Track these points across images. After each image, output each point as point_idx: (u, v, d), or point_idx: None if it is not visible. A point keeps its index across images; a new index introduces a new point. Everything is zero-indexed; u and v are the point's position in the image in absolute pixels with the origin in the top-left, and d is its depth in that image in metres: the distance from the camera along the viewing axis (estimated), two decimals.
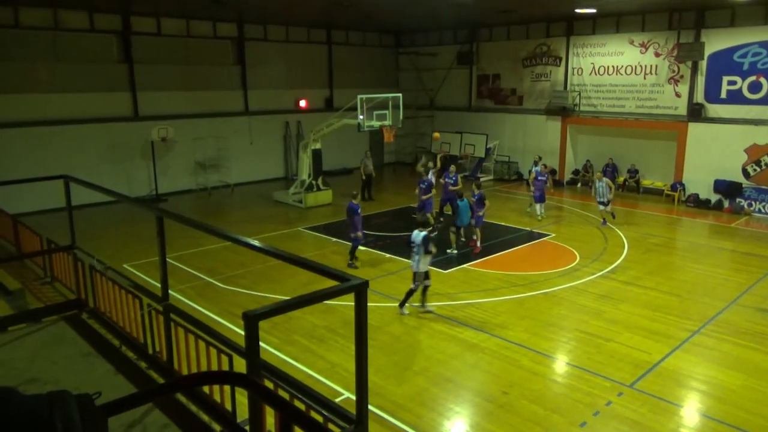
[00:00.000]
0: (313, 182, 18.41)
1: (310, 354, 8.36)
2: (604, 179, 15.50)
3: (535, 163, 17.32)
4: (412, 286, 9.81)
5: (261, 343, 3.32)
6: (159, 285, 5.22)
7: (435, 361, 8.22)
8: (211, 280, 11.52)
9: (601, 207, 15.52)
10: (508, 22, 22.53)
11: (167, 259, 5.26)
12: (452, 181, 15.49)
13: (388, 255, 13.19)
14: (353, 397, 3.56)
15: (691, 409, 7.23)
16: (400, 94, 17.90)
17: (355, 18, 20.96)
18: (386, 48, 26.79)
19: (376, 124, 16.98)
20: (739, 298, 10.66)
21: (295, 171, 21.21)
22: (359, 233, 12.34)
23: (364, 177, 18.93)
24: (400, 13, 19.18)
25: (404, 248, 13.68)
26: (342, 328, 9.06)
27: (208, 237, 7.28)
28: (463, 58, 24.54)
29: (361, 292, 3.27)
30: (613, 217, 15.73)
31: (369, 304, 3.37)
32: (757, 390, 7.52)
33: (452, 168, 15.75)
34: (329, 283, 3.33)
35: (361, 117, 16.64)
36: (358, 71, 25.09)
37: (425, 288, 9.89)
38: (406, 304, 9.88)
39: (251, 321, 2.90)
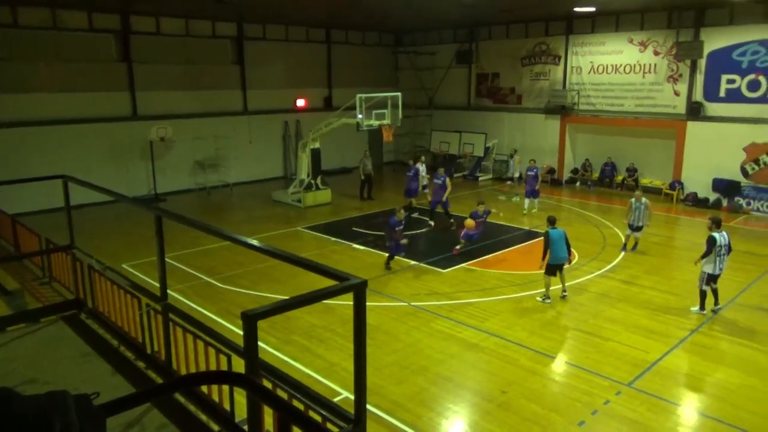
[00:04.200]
0: (312, 182, 18.41)
1: (309, 353, 8.37)
2: (644, 200, 13.10)
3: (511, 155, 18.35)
4: (706, 287, 9.68)
5: (260, 343, 3.32)
6: (158, 285, 5.22)
7: (434, 361, 8.22)
8: (210, 280, 11.52)
9: (634, 232, 13.22)
10: (507, 20, 22.54)
11: (166, 259, 5.27)
12: (440, 182, 15.49)
13: (387, 254, 13.16)
14: (352, 397, 3.56)
15: (689, 408, 7.25)
16: (399, 93, 17.91)
17: (358, 17, 20.95)
18: (385, 47, 26.79)
19: (375, 123, 16.98)
20: (738, 296, 10.68)
21: (294, 170, 21.22)
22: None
23: (363, 176, 18.95)
24: (403, 13, 19.18)
25: (402, 247, 13.69)
26: (341, 327, 9.07)
27: (207, 237, 7.29)
28: (463, 57, 24.54)
29: (359, 291, 3.28)
30: (634, 248, 13.37)
31: (368, 303, 3.38)
32: (755, 389, 7.54)
33: (440, 170, 15.95)
34: (328, 283, 3.33)
35: (360, 116, 16.65)
36: (357, 70, 25.09)
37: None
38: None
39: (250, 321, 2.90)
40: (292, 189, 18.77)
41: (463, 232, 13.12)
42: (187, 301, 10.08)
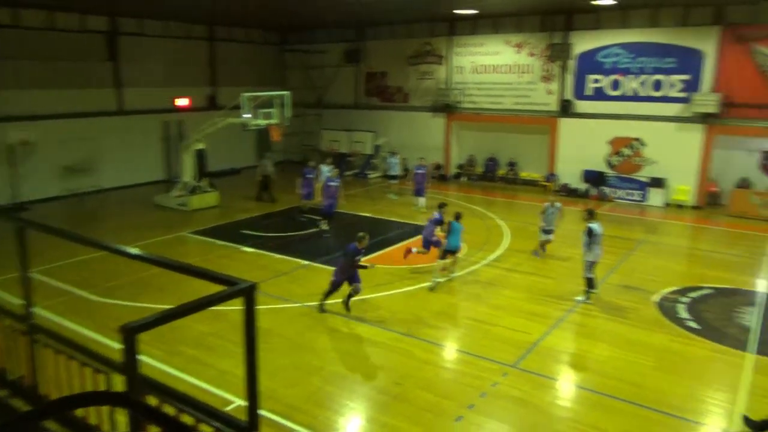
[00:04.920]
0: (198, 184, 17.66)
1: (198, 363, 8.03)
2: (558, 204, 12.97)
3: (392, 153, 19.17)
4: (591, 275, 10.51)
5: (142, 357, 3.14)
6: (22, 302, 4.75)
7: (329, 360, 8.22)
8: (84, 294, 10.66)
9: (546, 236, 12.94)
10: (393, 21, 22.99)
11: (32, 274, 4.81)
12: (335, 185, 15.05)
13: (278, 255, 12.97)
14: (245, 404, 3.47)
15: (567, 382, 7.84)
16: (287, 92, 17.67)
17: (244, 13, 20.33)
18: (272, 45, 26.30)
19: (262, 122, 16.62)
20: (607, 277, 11.68)
21: (178, 173, 20.23)
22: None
23: (260, 178, 18.48)
24: (291, 10, 18.89)
25: (293, 247, 13.56)
26: (232, 333, 8.76)
27: (81, 247, 6.74)
28: (351, 56, 24.71)
29: (249, 295, 3.21)
30: (540, 252, 13.09)
31: (260, 306, 3.32)
32: (622, 359, 8.32)
33: (335, 171, 15.76)
34: (217, 289, 3.23)
35: (247, 116, 16.21)
36: (242, 69, 24.42)
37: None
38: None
39: (128, 334, 2.74)
40: (175, 192, 17.89)
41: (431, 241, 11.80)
42: (59, 319, 9.26)
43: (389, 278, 11.63)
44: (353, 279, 9.72)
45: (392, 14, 20.47)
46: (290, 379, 7.64)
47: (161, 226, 15.56)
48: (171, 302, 9.37)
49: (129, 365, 2.87)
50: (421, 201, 17.40)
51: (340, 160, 23.94)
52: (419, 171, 17.33)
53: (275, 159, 25.19)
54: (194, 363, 8.04)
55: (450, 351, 8.76)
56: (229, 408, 6.45)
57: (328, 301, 9.90)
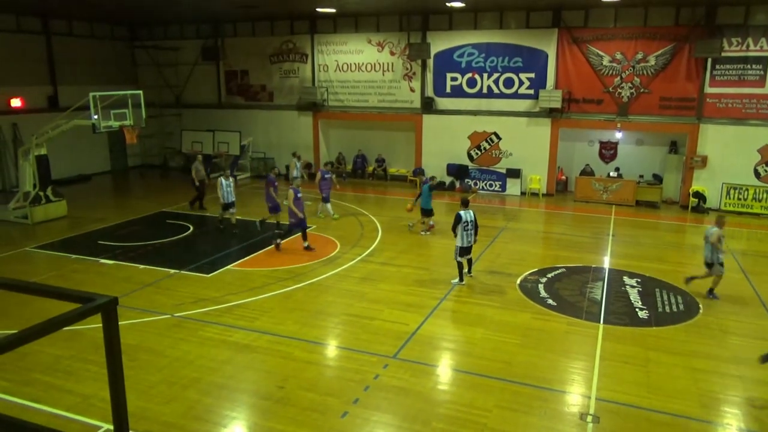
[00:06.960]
0: (41, 193, 15.89)
1: (56, 391, 7.22)
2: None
3: (297, 158, 18.64)
4: (461, 259, 11.35)
5: None
6: None
7: (206, 370, 7.81)
8: None
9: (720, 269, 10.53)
10: (252, 17, 22.38)
11: None
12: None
13: (142, 266, 12.09)
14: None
15: (444, 367, 8.15)
16: (141, 92, 16.47)
17: (78, 5, 18.57)
18: (120, 41, 24.39)
19: (115, 124, 15.35)
20: (474, 263, 12.31)
21: (15, 182, 18.07)
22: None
23: (197, 183, 17.01)
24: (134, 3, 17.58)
25: (158, 256, 12.76)
26: (94, 354, 8.01)
27: None
28: (209, 54, 23.66)
29: (108, 310, 2.89)
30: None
31: (126, 321, 3.03)
32: (492, 339, 8.83)
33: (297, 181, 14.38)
34: (70, 307, 2.87)
35: (96, 117, 14.87)
36: (87, 66, 22.38)
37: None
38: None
39: None
40: (13, 204, 15.94)
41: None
42: None
43: (265, 281, 11.32)
44: None
45: (250, 11, 19.90)
46: (164, 395, 7.13)
47: None
48: (14, 327, 8.39)
49: None
50: (329, 207, 16.27)
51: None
52: (327, 176, 16.29)
53: (120, 163, 23.58)
54: (51, 390, 7.22)
55: (331, 349, 8.72)
56: None
57: (196, 310, 9.34)
